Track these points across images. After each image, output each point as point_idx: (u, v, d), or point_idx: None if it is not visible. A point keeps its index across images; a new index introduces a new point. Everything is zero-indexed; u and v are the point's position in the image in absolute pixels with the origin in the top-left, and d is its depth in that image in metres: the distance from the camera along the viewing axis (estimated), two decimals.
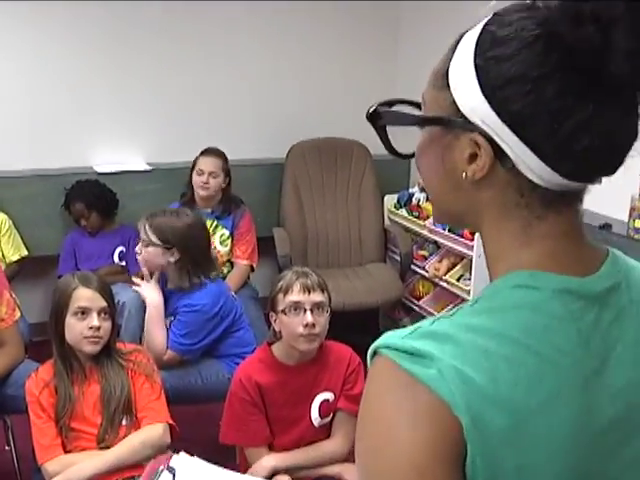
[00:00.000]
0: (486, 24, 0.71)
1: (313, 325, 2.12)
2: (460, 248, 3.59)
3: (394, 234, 4.11)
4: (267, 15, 4.21)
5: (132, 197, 3.86)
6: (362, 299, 3.73)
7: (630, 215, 2.84)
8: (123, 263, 3.77)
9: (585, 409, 0.69)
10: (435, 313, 3.74)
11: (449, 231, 3.64)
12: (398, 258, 4.03)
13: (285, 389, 2.22)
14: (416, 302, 3.98)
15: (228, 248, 3.65)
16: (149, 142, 4.16)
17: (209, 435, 2.47)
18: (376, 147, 4.20)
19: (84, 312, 2.19)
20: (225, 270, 3.63)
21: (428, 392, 0.65)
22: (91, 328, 2.17)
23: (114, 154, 4.06)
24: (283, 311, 2.15)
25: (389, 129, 0.80)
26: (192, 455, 2.03)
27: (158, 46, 4.05)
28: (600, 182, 0.75)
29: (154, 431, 2.20)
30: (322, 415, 2.24)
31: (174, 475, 1.90)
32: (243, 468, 2.25)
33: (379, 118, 0.78)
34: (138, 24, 3.98)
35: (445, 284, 3.73)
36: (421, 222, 3.91)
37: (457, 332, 0.68)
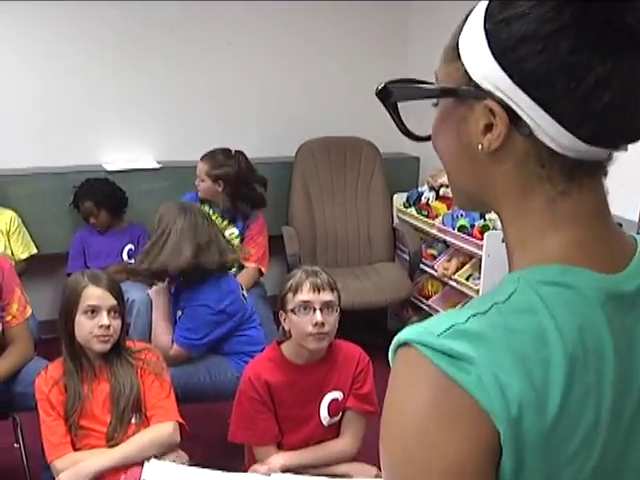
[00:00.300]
0: None
1: (322, 324, 2.11)
2: (469, 247, 3.57)
3: (403, 233, 4.10)
4: (276, 14, 4.21)
5: (141, 195, 3.87)
6: (371, 298, 3.73)
7: None
8: (132, 261, 3.76)
9: (616, 411, 0.68)
10: None
11: (458, 230, 3.62)
12: (407, 257, 4.02)
13: (294, 388, 2.21)
14: (425, 301, 3.97)
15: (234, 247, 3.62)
16: (158, 140, 4.16)
17: (217, 434, 2.48)
18: (385, 146, 4.24)
19: (94, 311, 2.19)
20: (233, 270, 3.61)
21: (468, 397, 0.63)
22: (101, 327, 2.17)
23: (123, 152, 4.07)
24: (292, 310, 2.15)
25: (403, 114, 0.77)
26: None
27: (168, 45, 4.05)
28: (626, 149, 0.71)
29: (164, 429, 2.20)
30: (331, 414, 2.24)
31: None
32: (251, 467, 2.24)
33: (389, 95, 0.75)
34: (148, 23, 3.99)
35: (454, 283, 3.71)
36: (430, 221, 3.90)
37: (493, 334, 0.65)
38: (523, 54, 0.65)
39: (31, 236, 3.72)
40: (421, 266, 3.98)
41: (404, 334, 0.68)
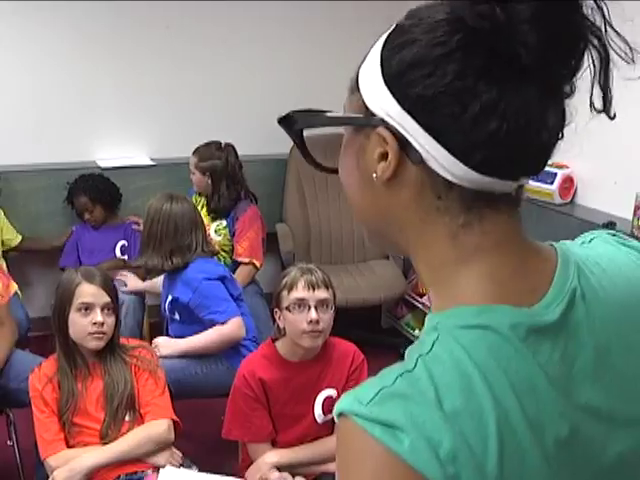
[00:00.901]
0: (399, 21, 0.69)
1: (317, 322, 2.11)
2: None
3: None
4: (271, 11, 4.20)
5: (135, 192, 3.85)
6: (365, 295, 3.73)
7: (634, 213, 2.83)
8: (125, 257, 3.77)
9: (560, 440, 0.66)
10: None
11: None
12: (401, 255, 3.99)
13: (288, 386, 2.21)
14: (419, 299, 3.96)
15: (221, 238, 3.61)
16: (152, 137, 4.15)
17: (210, 430, 2.47)
18: None
19: (88, 308, 2.19)
20: (221, 260, 3.58)
21: (404, 465, 0.61)
22: (95, 324, 2.17)
23: (117, 149, 4.05)
24: (287, 308, 2.14)
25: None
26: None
27: (162, 42, 4.04)
28: (527, 182, 0.69)
29: (158, 427, 2.20)
30: (325, 412, 2.23)
31: None
32: (245, 464, 2.24)
33: (293, 122, 0.75)
34: (143, 20, 3.97)
35: None
36: None
37: (421, 392, 0.63)
38: (411, 79, 0.64)
39: (24, 233, 3.70)
40: None
41: (339, 404, 0.67)
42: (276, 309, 2.20)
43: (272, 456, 2.18)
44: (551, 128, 0.66)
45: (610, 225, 2.86)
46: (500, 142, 0.64)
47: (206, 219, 3.45)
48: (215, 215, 3.62)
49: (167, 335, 2.91)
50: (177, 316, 2.81)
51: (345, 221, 4.17)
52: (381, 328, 4.32)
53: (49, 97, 3.88)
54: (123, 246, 3.77)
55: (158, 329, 3.36)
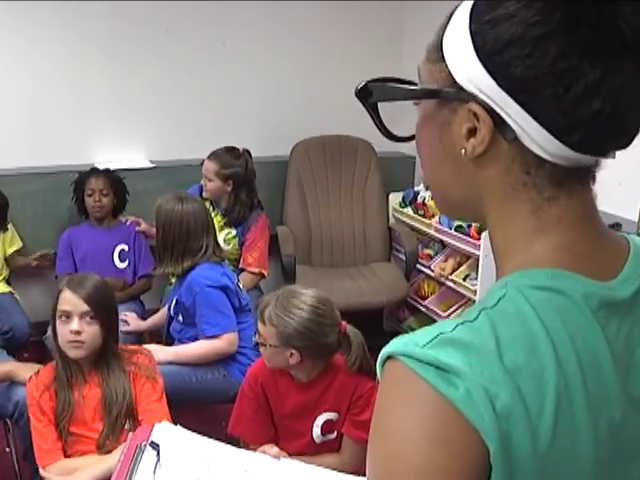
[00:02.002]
0: None
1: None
2: (466, 247, 3.54)
3: (399, 233, 4.06)
4: (270, 13, 4.16)
5: (134, 195, 3.80)
6: (366, 299, 3.69)
7: None
8: (124, 265, 3.63)
9: (612, 425, 0.64)
10: (441, 313, 3.71)
11: (455, 230, 3.59)
12: (403, 257, 3.98)
13: (287, 402, 2.18)
14: (421, 302, 3.93)
15: (230, 247, 3.56)
16: (151, 139, 4.10)
17: (213, 435, 2.43)
18: (381, 145, 4.19)
19: (68, 316, 2.14)
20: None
21: (455, 413, 0.59)
22: (71, 332, 2.13)
23: (116, 152, 4.01)
24: None
25: (388, 117, 0.74)
26: (175, 424, 1.96)
27: (161, 44, 4.00)
28: (614, 156, 0.69)
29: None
30: (324, 433, 2.18)
31: (158, 451, 1.81)
32: None
33: (369, 95, 0.73)
34: (141, 21, 3.93)
35: (451, 284, 3.68)
36: (427, 220, 3.86)
37: (482, 343, 0.61)
38: (510, 57, 0.63)
39: (21, 237, 3.66)
40: (417, 266, 3.95)
41: (388, 347, 0.64)
42: None
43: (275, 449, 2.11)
44: None
45: (616, 226, 2.82)
46: (601, 122, 0.63)
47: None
48: (226, 223, 3.56)
49: (167, 334, 2.89)
50: (180, 317, 2.78)
51: (347, 223, 4.14)
52: (383, 332, 4.27)
53: (45, 99, 3.84)
54: (122, 251, 3.64)
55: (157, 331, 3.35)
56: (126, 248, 3.64)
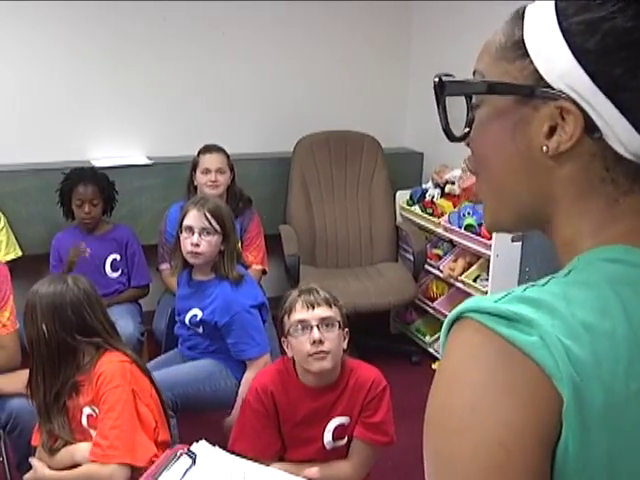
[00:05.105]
0: None
1: (321, 341, 2.01)
2: (477, 247, 3.47)
3: (407, 232, 3.97)
4: (269, 7, 4.07)
5: (131, 193, 3.71)
6: (373, 300, 3.61)
7: None
8: (116, 274, 3.46)
9: None
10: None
11: (465, 229, 3.51)
12: (411, 257, 3.89)
13: (299, 409, 2.13)
14: (430, 304, 3.87)
15: None
16: (149, 135, 4.01)
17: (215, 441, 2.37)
18: (388, 140, 4.12)
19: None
20: None
21: (528, 360, 0.59)
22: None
23: (112, 148, 3.92)
24: (289, 332, 2.07)
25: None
26: (213, 445, 1.94)
27: (158, 36, 3.92)
28: None
29: (103, 472, 1.96)
30: (335, 438, 2.14)
31: (194, 460, 1.82)
32: None
33: (443, 88, 0.72)
34: (138, 17, 3.85)
35: (461, 285, 3.61)
36: (435, 219, 3.79)
37: (554, 300, 0.62)
38: (610, 59, 0.65)
39: (15, 236, 3.56)
40: (426, 267, 3.86)
41: (456, 309, 0.65)
42: (283, 339, 2.13)
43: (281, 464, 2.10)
44: None
45: None
46: None
47: None
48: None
49: (167, 338, 2.83)
50: (200, 329, 2.66)
51: (352, 222, 4.07)
52: (390, 334, 4.23)
53: (39, 94, 3.75)
54: (115, 260, 3.46)
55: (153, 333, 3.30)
56: (118, 257, 3.48)
